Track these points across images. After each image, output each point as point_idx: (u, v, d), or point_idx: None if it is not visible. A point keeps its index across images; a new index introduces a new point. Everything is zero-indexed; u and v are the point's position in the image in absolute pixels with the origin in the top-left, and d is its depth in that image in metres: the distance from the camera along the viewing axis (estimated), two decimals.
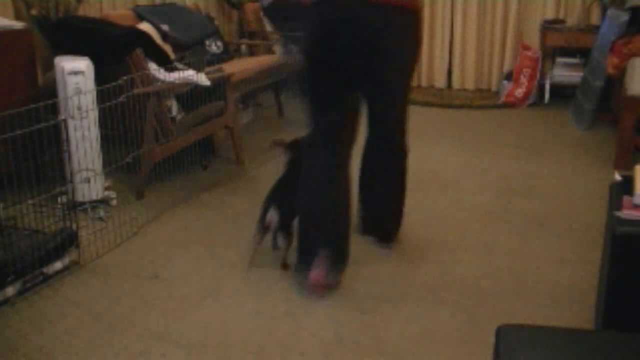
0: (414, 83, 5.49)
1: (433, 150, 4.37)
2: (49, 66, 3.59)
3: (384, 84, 2.67)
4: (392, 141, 2.83)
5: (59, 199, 3.10)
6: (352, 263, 2.85)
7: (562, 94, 5.62)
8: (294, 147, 2.88)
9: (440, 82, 6.17)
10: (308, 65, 2.67)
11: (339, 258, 2.64)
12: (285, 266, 2.78)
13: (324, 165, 2.68)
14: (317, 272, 2.57)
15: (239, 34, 6.08)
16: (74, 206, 3.04)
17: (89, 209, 3.30)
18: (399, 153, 2.85)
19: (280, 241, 2.81)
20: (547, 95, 5.63)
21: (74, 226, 2.84)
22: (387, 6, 2.54)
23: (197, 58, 4.24)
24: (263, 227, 2.72)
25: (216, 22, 5.17)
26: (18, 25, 3.55)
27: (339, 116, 2.69)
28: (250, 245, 2.87)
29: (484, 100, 5.76)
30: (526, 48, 5.66)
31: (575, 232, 3.15)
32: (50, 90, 3.30)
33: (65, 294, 2.61)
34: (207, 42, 4.80)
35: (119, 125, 3.34)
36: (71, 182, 3.01)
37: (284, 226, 2.72)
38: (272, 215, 2.69)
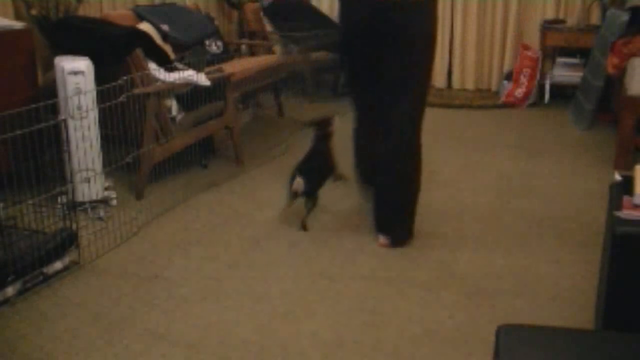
0: None
1: (433, 150, 4.36)
2: (49, 66, 3.59)
3: (397, 73, 2.84)
4: (399, 138, 2.89)
5: (59, 199, 3.10)
6: (352, 263, 2.86)
7: (562, 94, 5.62)
8: (322, 125, 3.28)
9: (440, 82, 6.17)
10: (342, 54, 3.11)
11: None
12: (305, 227, 3.16)
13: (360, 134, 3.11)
14: None
15: (239, 34, 6.08)
16: (74, 206, 3.04)
17: (89, 209, 3.30)
18: (405, 150, 2.90)
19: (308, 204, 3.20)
20: (547, 95, 5.63)
21: (74, 226, 2.84)
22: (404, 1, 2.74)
23: (197, 58, 4.24)
24: (291, 193, 3.11)
25: (216, 22, 5.17)
26: (18, 25, 3.55)
27: (369, 96, 2.99)
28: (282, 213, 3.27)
29: (484, 100, 5.76)
30: (526, 48, 5.66)
31: (575, 232, 3.15)
32: (50, 90, 3.30)
33: (65, 294, 2.61)
34: (207, 42, 4.80)
35: (119, 125, 3.33)
36: (71, 182, 3.02)
37: (310, 192, 3.13)
38: (299, 183, 3.07)
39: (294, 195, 3.12)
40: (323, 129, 3.27)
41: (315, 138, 3.28)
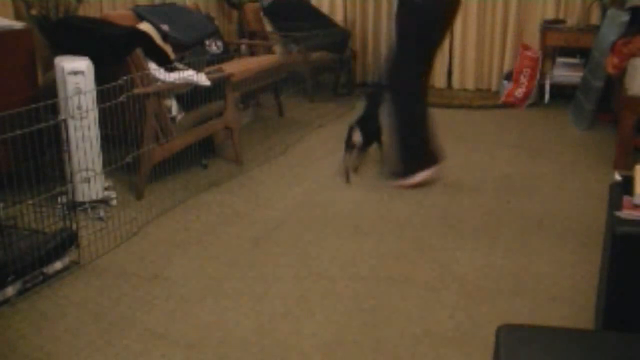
0: None
1: None
2: (49, 66, 3.59)
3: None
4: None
5: (59, 199, 3.10)
6: (352, 263, 2.86)
7: (562, 94, 5.62)
8: (371, 90, 3.88)
9: (440, 82, 6.17)
10: (419, 30, 3.53)
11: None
12: (347, 178, 3.70)
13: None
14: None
15: (239, 34, 6.08)
16: (74, 206, 3.04)
17: (89, 209, 3.31)
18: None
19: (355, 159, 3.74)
20: (547, 95, 5.63)
21: (74, 226, 2.84)
22: None
23: (197, 58, 4.24)
24: (350, 146, 3.54)
25: (216, 22, 5.17)
26: (18, 25, 3.55)
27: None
28: (342, 165, 3.72)
29: (484, 100, 5.76)
30: (526, 48, 5.66)
31: (575, 232, 3.15)
32: (50, 90, 3.30)
33: (65, 294, 2.61)
34: (207, 42, 4.80)
35: (119, 125, 3.34)
36: (71, 182, 3.02)
37: (365, 146, 3.60)
38: (357, 136, 3.53)
39: (353, 146, 3.56)
40: (373, 93, 3.77)
41: (368, 100, 3.77)
